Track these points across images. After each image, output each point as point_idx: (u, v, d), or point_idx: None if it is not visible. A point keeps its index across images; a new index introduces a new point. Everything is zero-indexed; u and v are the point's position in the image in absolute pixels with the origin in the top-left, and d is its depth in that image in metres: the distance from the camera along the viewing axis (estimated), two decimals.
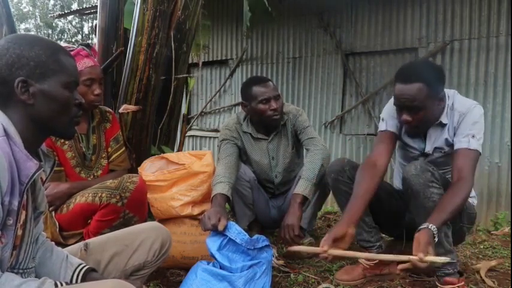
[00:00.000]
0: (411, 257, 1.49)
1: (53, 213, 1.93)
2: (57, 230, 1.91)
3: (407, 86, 1.78)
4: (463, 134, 1.82)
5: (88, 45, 2.10)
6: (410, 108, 1.80)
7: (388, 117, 2.02)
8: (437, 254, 1.77)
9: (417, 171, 1.74)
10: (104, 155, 2.16)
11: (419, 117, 1.81)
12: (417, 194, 1.74)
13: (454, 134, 1.87)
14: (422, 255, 1.46)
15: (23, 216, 1.05)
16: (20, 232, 1.04)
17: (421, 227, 1.58)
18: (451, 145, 1.90)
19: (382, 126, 2.03)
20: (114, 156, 2.19)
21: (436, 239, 1.56)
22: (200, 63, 4.22)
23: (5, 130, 1.00)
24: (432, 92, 1.79)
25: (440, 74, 1.86)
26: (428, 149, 1.97)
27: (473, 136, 1.80)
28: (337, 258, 1.56)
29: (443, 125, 1.91)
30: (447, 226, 1.76)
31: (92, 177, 2.09)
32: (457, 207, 1.67)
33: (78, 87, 1.17)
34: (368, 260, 2.01)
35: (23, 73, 1.04)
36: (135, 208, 1.91)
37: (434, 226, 1.57)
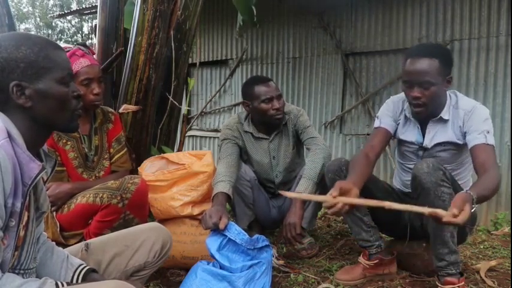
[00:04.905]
0: (438, 210, 1.39)
1: (54, 213, 1.93)
2: (58, 230, 1.92)
3: (421, 60, 1.80)
4: (477, 130, 1.82)
5: (84, 45, 2.07)
6: (422, 84, 1.81)
7: (383, 116, 2.07)
8: (442, 254, 1.78)
9: (429, 170, 1.72)
10: (106, 156, 2.15)
11: (430, 93, 1.81)
12: (428, 192, 1.72)
13: (464, 133, 1.87)
14: (456, 210, 1.36)
15: (25, 217, 1.04)
16: (22, 233, 1.04)
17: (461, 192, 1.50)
18: (454, 143, 1.91)
19: (376, 123, 2.09)
20: (116, 157, 2.18)
21: (474, 207, 1.45)
22: (198, 64, 4.23)
23: (7, 132, 0.99)
24: (443, 70, 1.82)
25: (450, 56, 1.90)
26: (427, 143, 1.97)
27: (488, 132, 1.81)
28: (347, 206, 1.55)
29: (444, 121, 1.93)
30: (453, 227, 1.75)
31: (93, 178, 2.08)
32: (492, 189, 1.62)
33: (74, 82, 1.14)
34: (367, 262, 2.02)
35: (15, 76, 1.01)
36: (136, 209, 1.91)
37: (472, 193, 1.47)
